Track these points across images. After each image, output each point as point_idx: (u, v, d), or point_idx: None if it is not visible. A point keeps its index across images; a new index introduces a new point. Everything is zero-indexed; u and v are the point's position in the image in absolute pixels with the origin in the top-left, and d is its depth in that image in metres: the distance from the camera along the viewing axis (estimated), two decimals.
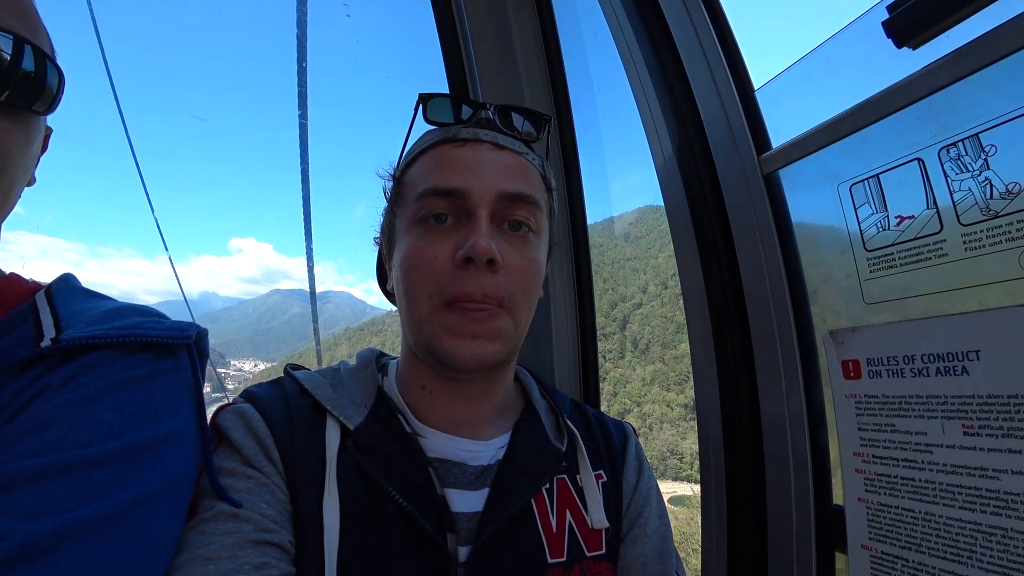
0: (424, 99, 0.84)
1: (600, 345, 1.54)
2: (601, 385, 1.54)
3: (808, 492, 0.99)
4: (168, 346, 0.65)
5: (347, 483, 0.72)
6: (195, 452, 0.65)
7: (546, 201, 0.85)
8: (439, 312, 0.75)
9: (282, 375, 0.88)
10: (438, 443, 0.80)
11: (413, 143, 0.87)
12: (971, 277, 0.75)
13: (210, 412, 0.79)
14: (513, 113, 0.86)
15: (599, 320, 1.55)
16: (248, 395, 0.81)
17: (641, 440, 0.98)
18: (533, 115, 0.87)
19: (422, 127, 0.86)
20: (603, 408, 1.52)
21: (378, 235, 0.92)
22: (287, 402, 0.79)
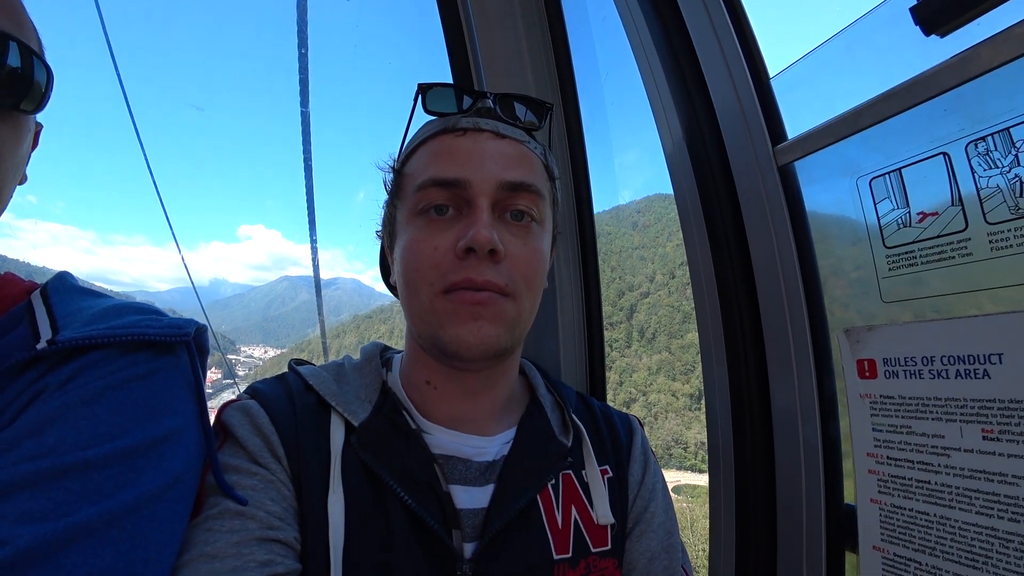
0: (423, 89, 0.83)
1: (607, 334, 1.53)
2: (608, 374, 1.53)
3: (819, 489, 0.98)
4: (167, 344, 0.65)
5: (352, 480, 0.72)
6: (197, 450, 0.64)
7: (549, 190, 0.84)
8: (440, 300, 0.74)
9: (286, 370, 0.87)
10: (443, 439, 0.80)
11: (413, 134, 0.87)
12: (996, 278, 0.72)
13: (223, 397, 0.78)
14: (514, 102, 0.85)
15: (606, 309, 1.53)
16: (253, 391, 0.80)
17: (646, 429, 0.97)
18: (535, 103, 0.86)
19: (422, 118, 0.86)
20: (609, 397, 1.51)
21: (380, 228, 0.91)
22: (291, 398, 0.79)
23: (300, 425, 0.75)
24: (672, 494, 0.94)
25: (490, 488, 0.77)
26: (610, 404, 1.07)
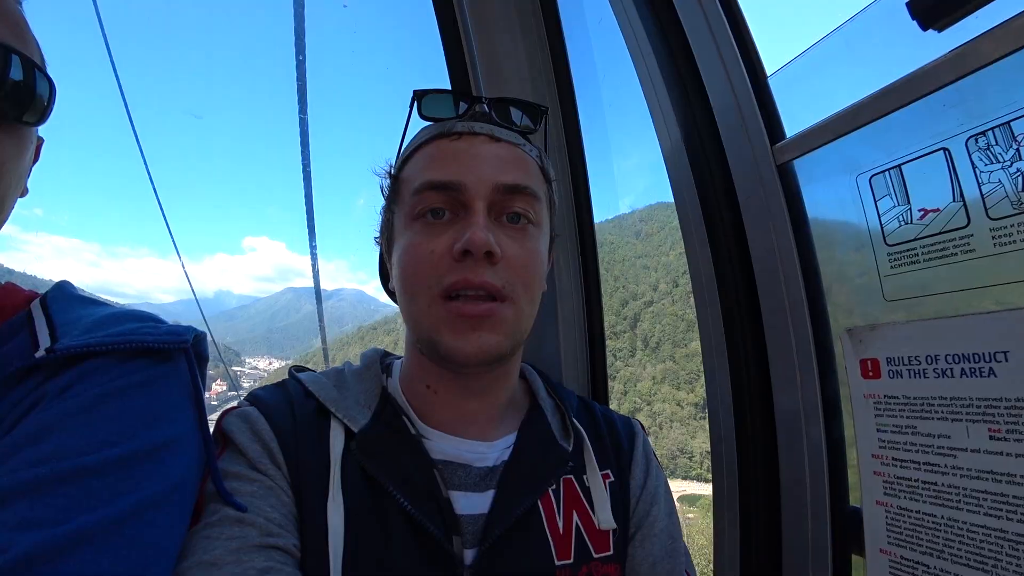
0: (419, 95, 0.84)
1: (611, 344, 1.52)
2: (612, 384, 1.52)
3: (824, 493, 0.97)
4: (165, 351, 0.65)
5: (352, 486, 0.72)
6: (196, 457, 0.64)
7: (545, 192, 0.84)
8: (438, 305, 0.74)
9: (286, 377, 0.87)
10: (443, 444, 0.79)
11: (409, 140, 0.87)
12: (1000, 274, 0.71)
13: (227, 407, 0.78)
14: (509, 106, 0.86)
15: (610, 319, 1.52)
16: (253, 398, 0.80)
17: (651, 439, 0.96)
18: (529, 106, 0.87)
19: (418, 125, 0.86)
20: (613, 406, 1.50)
21: (378, 234, 0.91)
22: (291, 404, 0.78)
23: (300, 432, 0.75)
24: (676, 504, 0.93)
25: (490, 494, 0.76)
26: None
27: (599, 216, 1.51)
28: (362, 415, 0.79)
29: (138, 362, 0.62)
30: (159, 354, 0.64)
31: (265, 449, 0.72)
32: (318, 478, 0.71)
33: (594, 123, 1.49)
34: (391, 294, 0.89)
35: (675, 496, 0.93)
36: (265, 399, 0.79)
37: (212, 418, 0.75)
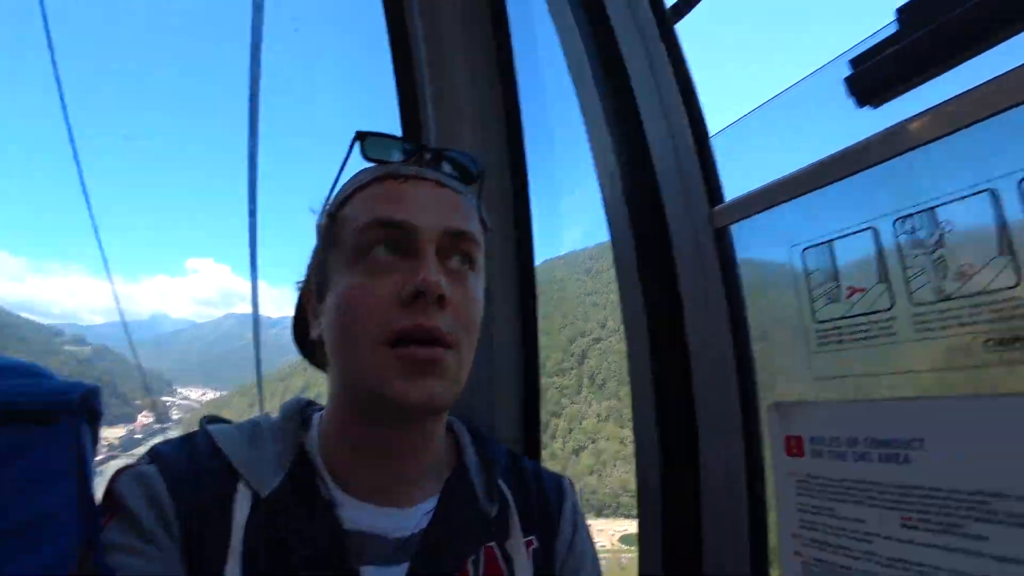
0: (361, 136, 0.79)
1: (557, 381, 1.48)
2: (558, 421, 1.47)
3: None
4: (44, 412, 0.57)
5: (254, 559, 0.65)
6: (75, 533, 0.57)
7: (484, 240, 0.81)
8: (382, 352, 0.68)
9: (197, 429, 0.79)
10: (357, 513, 0.72)
11: (347, 180, 0.82)
12: (920, 361, 0.71)
13: (152, 443, 0.73)
14: (454, 155, 0.84)
15: (557, 356, 1.48)
16: (155, 454, 0.72)
17: (595, 478, 0.92)
18: (471, 159, 0.85)
19: (356, 166, 0.81)
20: (558, 444, 1.46)
21: (301, 280, 0.85)
22: (197, 462, 0.71)
23: (202, 494, 0.67)
24: (620, 544, 0.89)
25: (405, 566, 0.70)
26: (558, 452, 1.02)
27: (548, 253, 1.48)
28: (274, 476, 0.72)
29: (12, 426, 0.55)
30: (37, 415, 0.57)
31: (160, 517, 0.65)
32: (217, 549, 0.64)
33: (544, 161, 1.48)
34: (307, 346, 0.83)
35: (617, 536, 0.89)
36: (167, 456, 0.71)
37: (136, 453, 0.67)
